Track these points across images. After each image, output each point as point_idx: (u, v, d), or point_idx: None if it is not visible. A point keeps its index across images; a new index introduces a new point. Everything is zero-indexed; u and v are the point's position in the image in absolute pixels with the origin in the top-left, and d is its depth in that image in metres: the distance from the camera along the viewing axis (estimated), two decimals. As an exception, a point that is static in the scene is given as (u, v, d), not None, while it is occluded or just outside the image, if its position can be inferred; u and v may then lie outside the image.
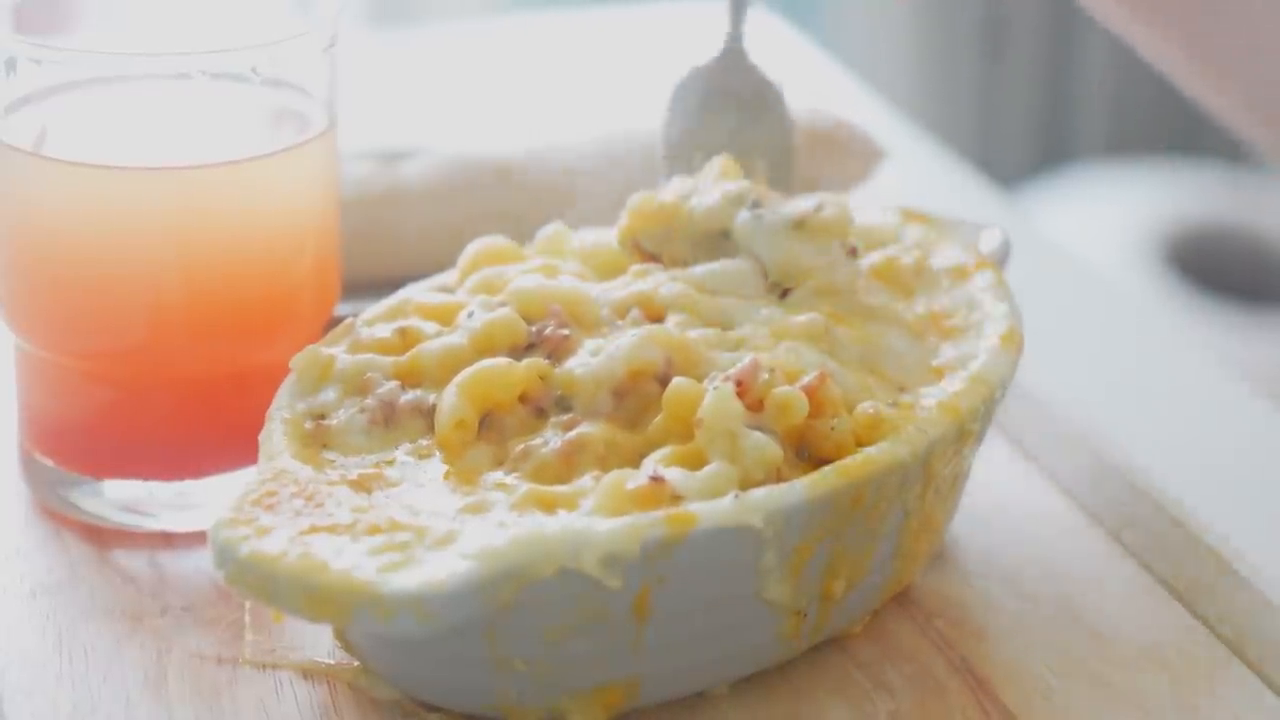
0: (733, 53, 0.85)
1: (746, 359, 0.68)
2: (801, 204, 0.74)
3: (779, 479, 0.65)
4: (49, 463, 0.78)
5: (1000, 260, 0.80)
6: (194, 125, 0.77)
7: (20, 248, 0.76)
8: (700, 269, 0.74)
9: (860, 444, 0.67)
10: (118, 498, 0.77)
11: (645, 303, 0.72)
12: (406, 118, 1.18)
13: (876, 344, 0.72)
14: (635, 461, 0.66)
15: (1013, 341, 0.73)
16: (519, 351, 0.70)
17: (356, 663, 0.68)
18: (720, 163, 0.77)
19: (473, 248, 0.77)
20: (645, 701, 0.66)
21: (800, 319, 0.71)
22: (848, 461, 0.66)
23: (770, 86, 0.85)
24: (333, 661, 0.69)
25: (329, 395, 0.70)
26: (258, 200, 0.75)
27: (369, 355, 0.71)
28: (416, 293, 0.75)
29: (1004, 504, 0.80)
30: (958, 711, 0.68)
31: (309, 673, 0.69)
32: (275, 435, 0.68)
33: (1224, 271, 2.05)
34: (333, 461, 0.68)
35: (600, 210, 0.90)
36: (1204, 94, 0.92)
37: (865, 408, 0.68)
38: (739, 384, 0.67)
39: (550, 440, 0.67)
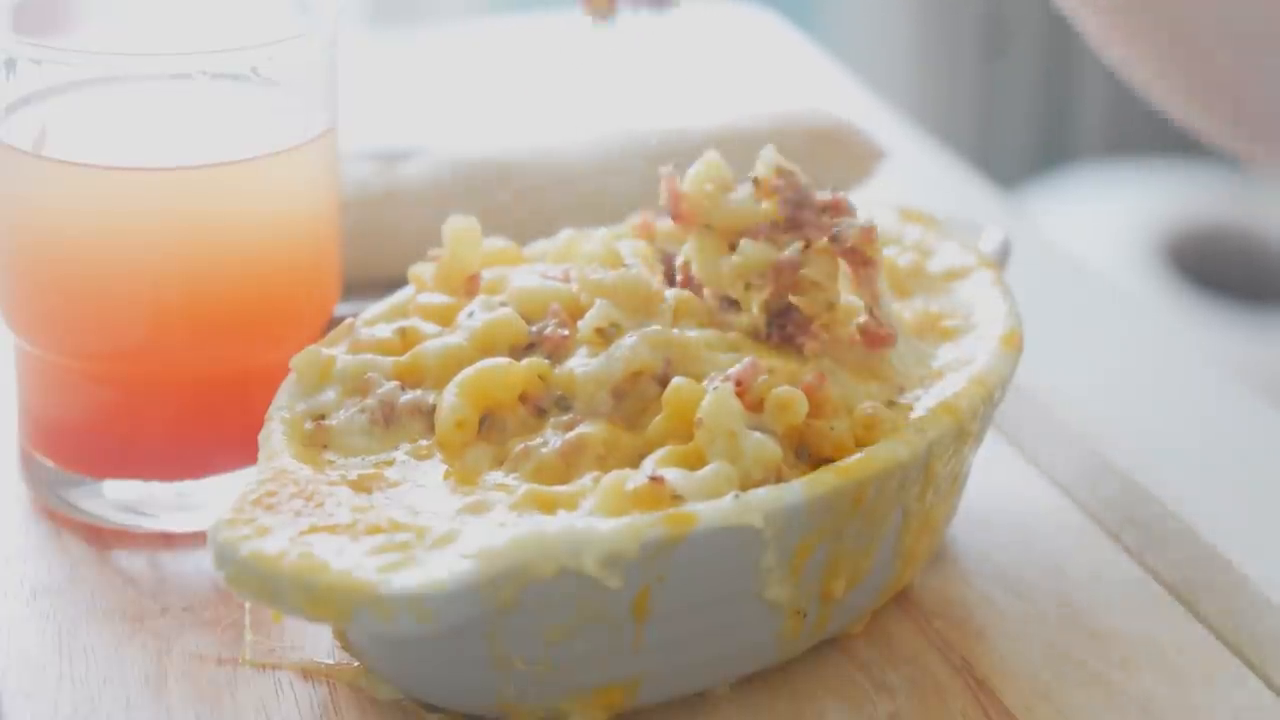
0: None
1: (746, 359, 0.68)
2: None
3: (779, 479, 0.65)
4: (49, 463, 0.78)
5: (1000, 260, 0.80)
6: (194, 125, 0.77)
7: (20, 248, 0.76)
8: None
9: (859, 444, 0.67)
10: (118, 498, 0.77)
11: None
12: (406, 118, 1.18)
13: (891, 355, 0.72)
14: (635, 462, 0.66)
15: (1012, 342, 0.73)
16: (519, 351, 0.70)
17: (356, 663, 0.68)
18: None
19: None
20: (645, 701, 0.66)
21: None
22: (847, 461, 0.66)
23: None
24: (333, 662, 0.69)
25: (329, 395, 0.70)
26: (258, 200, 0.75)
27: (369, 355, 0.71)
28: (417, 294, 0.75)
29: (1004, 504, 0.80)
30: (958, 712, 0.68)
31: (309, 673, 0.69)
32: (275, 435, 0.68)
33: (1224, 271, 2.05)
34: (332, 461, 0.68)
35: (600, 211, 0.90)
36: (1190, 114, 0.92)
37: (865, 408, 0.68)
38: (738, 384, 0.67)
39: (550, 440, 0.67)
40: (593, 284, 0.71)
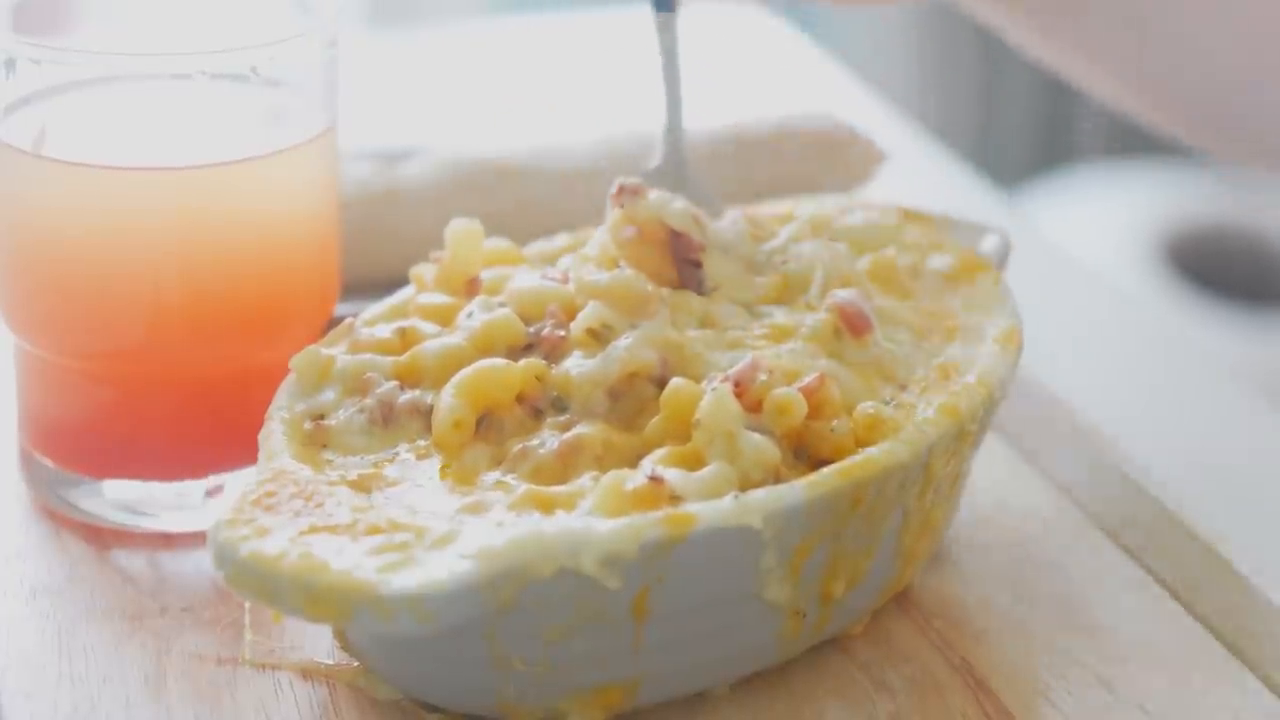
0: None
1: (745, 359, 0.68)
2: None
3: (777, 480, 0.65)
4: (48, 462, 0.78)
5: (1000, 261, 0.80)
6: (194, 125, 0.77)
7: (20, 248, 0.76)
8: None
9: (860, 444, 0.67)
10: (117, 498, 0.77)
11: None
12: (406, 118, 1.18)
13: (875, 345, 0.72)
14: (632, 462, 0.66)
15: (1012, 342, 0.73)
16: (517, 352, 0.70)
17: (356, 663, 0.68)
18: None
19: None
20: (645, 701, 0.66)
21: (806, 321, 0.71)
22: (847, 462, 0.66)
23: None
24: (332, 662, 0.69)
25: (328, 395, 0.70)
26: (258, 200, 0.75)
27: (368, 355, 0.71)
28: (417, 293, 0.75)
29: (1004, 504, 0.80)
30: (957, 712, 0.68)
31: (309, 673, 0.69)
32: (275, 435, 0.68)
33: (1224, 271, 2.05)
34: (332, 461, 0.68)
35: (600, 211, 0.90)
36: (1135, 107, 0.91)
37: (865, 408, 0.68)
38: (737, 384, 0.67)
39: (547, 441, 0.67)
40: (588, 286, 0.71)
